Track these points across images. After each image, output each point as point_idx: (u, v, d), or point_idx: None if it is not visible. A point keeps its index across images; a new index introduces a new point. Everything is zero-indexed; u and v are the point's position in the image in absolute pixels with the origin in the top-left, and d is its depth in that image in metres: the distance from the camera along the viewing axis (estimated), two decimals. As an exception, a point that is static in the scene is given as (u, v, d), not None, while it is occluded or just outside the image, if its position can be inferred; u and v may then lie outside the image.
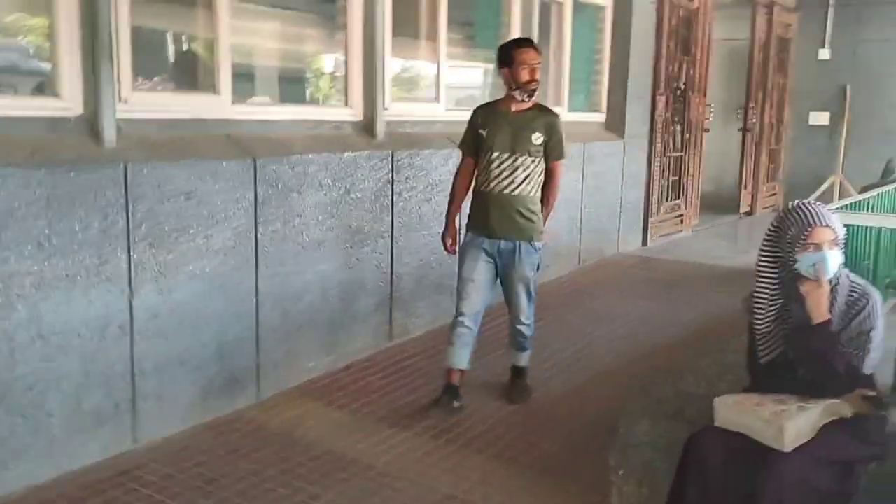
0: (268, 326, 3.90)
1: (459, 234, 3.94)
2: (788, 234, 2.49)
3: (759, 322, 2.61)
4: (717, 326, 4.97)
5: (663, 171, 7.74)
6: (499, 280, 3.80)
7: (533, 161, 3.62)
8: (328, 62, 5.09)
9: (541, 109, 3.72)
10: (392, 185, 4.55)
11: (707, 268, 6.71)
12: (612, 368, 4.35)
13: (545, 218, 3.79)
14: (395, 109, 4.79)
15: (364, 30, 4.53)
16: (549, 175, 3.72)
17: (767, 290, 2.60)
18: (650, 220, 7.58)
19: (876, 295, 2.49)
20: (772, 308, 2.59)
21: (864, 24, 10.15)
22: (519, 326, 3.83)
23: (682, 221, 8.26)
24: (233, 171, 3.63)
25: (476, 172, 3.78)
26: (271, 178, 3.84)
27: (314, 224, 4.11)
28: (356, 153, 4.35)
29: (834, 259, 2.45)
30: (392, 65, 4.83)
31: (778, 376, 2.58)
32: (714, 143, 9.46)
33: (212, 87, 3.83)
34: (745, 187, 10.00)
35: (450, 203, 3.88)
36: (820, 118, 10.56)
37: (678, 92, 7.89)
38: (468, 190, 3.83)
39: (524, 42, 3.76)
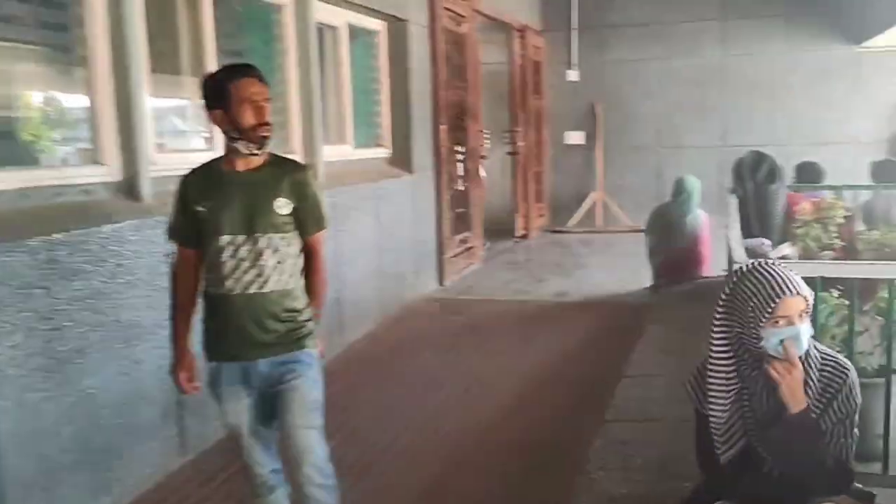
0: (16, 479, 2.77)
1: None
2: (750, 304, 2.00)
3: (716, 411, 2.10)
4: (564, 378, 4.54)
5: (451, 203, 7.32)
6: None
7: (283, 240, 2.49)
8: (63, 108, 3.95)
9: (280, 163, 2.57)
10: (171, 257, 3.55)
11: (517, 304, 6.35)
12: (465, 453, 3.70)
13: (316, 316, 2.64)
14: (163, 162, 3.80)
15: (113, 64, 3.50)
16: (309, 255, 2.59)
17: (723, 372, 2.09)
18: (444, 257, 7.11)
19: (851, 366, 2.08)
20: (730, 393, 2.09)
21: (606, 46, 10.60)
22: (311, 489, 2.54)
23: (472, 254, 7.91)
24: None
25: (203, 269, 2.57)
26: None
27: (70, 326, 3.03)
28: (118, 224, 3.33)
29: (806, 333, 2.00)
30: (152, 107, 3.83)
31: (745, 477, 2.09)
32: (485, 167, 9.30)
33: None
34: (519, 211, 9.96)
35: (172, 319, 2.63)
36: (575, 138, 10.86)
37: (456, 120, 7.53)
38: (195, 295, 2.62)
39: (242, 70, 2.49)
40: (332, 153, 5.58)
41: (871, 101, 9.74)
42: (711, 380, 2.11)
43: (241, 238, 2.46)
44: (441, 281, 7.08)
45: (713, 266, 6.29)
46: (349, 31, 5.94)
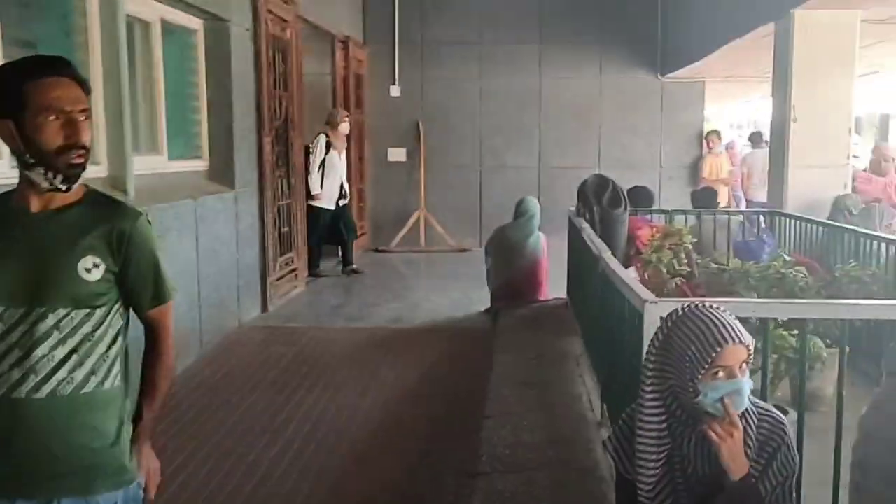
0: None
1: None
2: (687, 353, 1.75)
3: (645, 477, 1.83)
4: (417, 419, 4.16)
5: (275, 222, 6.75)
6: None
7: (87, 318, 1.71)
8: None
9: (99, 205, 1.78)
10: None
11: (350, 332, 5.90)
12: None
13: (147, 425, 1.86)
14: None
15: None
16: (149, 336, 1.92)
17: (655, 431, 1.82)
18: (268, 280, 6.53)
19: (786, 420, 1.88)
20: (661, 455, 1.83)
21: (428, 63, 10.47)
22: None
23: (296, 276, 7.36)
24: None
25: None
26: None
27: None
28: None
29: (748, 387, 1.77)
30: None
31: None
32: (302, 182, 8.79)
33: None
34: (342, 229, 9.52)
35: None
36: (397, 154, 10.62)
37: (281, 132, 6.98)
38: None
39: (48, 64, 1.69)
40: (144, 165, 4.89)
41: (673, 128, 10.33)
42: (641, 440, 1.83)
43: (19, 313, 1.65)
44: (265, 306, 6.49)
45: (550, 290, 6.24)
46: (163, 28, 5.26)
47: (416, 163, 10.52)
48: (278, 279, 6.85)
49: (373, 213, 10.68)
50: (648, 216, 5.72)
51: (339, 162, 8.30)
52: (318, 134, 8.20)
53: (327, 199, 8.09)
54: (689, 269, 4.30)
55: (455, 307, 6.80)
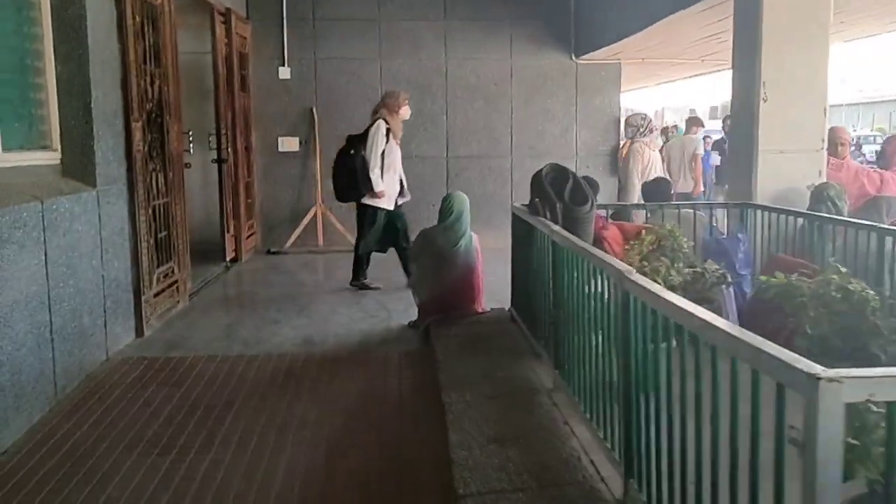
0: None
1: None
2: None
3: None
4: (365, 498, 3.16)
5: (150, 226, 5.54)
6: None
7: None
8: None
9: None
10: None
11: (249, 362, 4.78)
12: None
13: None
14: None
15: None
16: None
17: None
18: (143, 298, 5.32)
19: None
20: None
21: (321, 41, 9.36)
22: None
23: (177, 290, 6.15)
24: None
25: None
26: None
27: None
28: None
29: None
30: None
31: None
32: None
33: None
34: (229, 230, 8.31)
35: None
36: (289, 144, 9.46)
37: (154, 116, 5.76)
38: None
39: None
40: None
41: (589, 113, 9.67)
42: None
43: None
44: (140, 331, 5.29)
45: (485, 298, 5.36)
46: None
47: (310, 153, 9.40)
48: (156, 295, 5.64)
49: (263, 211, 9.49)
50: (603, 212, 4.92)
51: (398, 153, 6.98)
52: (376, 119, 6.89)
53: (387, 198, 6.78)
54: (686, 280, 3.49)
55: (372, 320, 5.81)
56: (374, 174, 6.61)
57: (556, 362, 3.55)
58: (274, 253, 9.09)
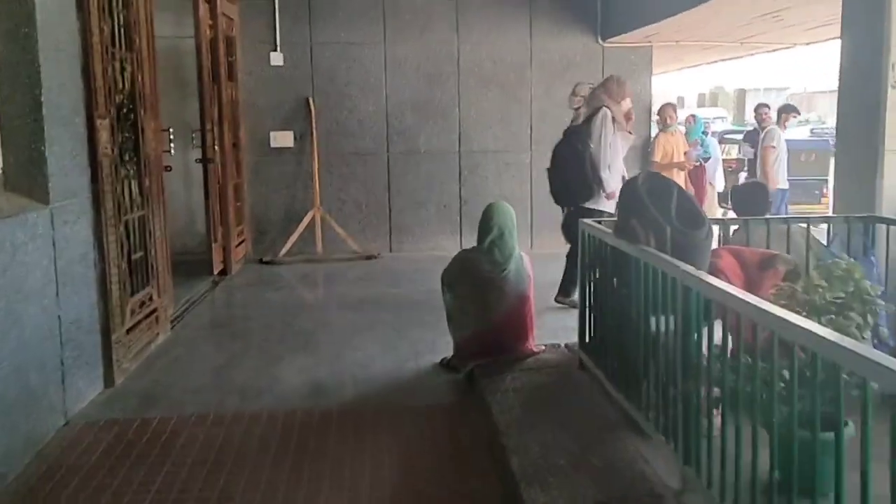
0: None
1: None
2: None
3: None
4: None
5: (122, 246, 4.50)
6: None
7: None
8: None
9: None
10: None
11: (247, 425, 3.73)
12: None
13: None
14: None
15: None
16: None
17: None
18: (114, 338, 4.28)
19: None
20: None
21: (319, 23, 8.29)
22: None
23: (157, 320, 5.12)
24: None
25: None
26: None
27: None
28: None
29: None
30: None
31: None
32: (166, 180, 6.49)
33: None
34: (216, 239, 7.26)
35: None
36: (283, 139, 8.40)
37: (125, 112, 4.71)
38: None
39: None
40: None
41: (618, 103, 8.66)
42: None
43: None
44: (111, 380, 4.26)
45: (538, 335, 4.36)
46: None
47: (306, 149, 8.35)
48: (131, 330, 4.61)
49: (254, 215, 8.44)
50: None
51: (620, 147, 6.02)
52: (599, 106, 5.89)
53: (613, 200, 5.83)
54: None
55: (394, 357, 4.81)
56: (605, 173, 5.69)
57: (685, 455, 2.57)
58: (267, 263, 8.05)
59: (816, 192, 13.49)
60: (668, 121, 8.55)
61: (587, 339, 3.83)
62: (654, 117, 8.95)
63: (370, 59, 8.36)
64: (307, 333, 5.39)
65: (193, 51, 6.88)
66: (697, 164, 8.96)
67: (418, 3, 8.35)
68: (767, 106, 9.91)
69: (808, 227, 3.84)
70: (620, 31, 8.11)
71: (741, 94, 52.76)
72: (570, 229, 5.49)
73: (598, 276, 3.57)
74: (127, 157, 4.74)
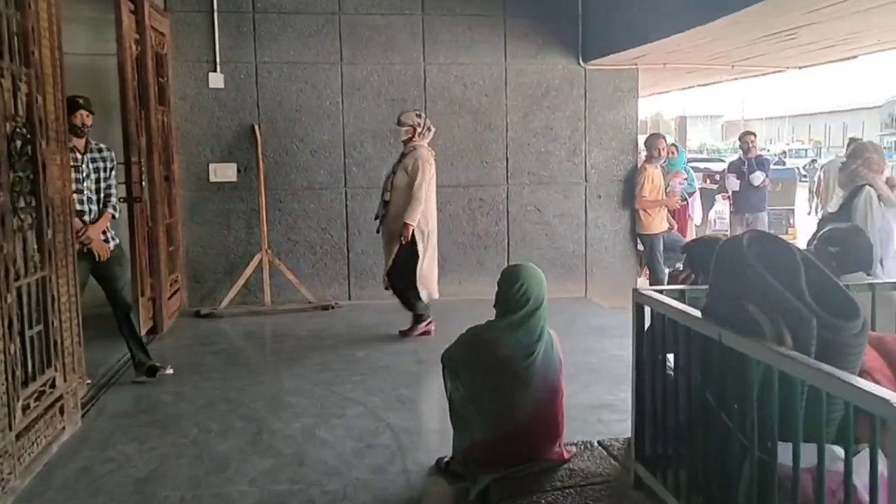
0: None
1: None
2: None
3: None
4: None
5: (10, 324, 3.36)
6: None
7: None
8: None
9: None
10: None
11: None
12: None
13: None
14: None
15: None
16: None
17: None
18: (-4, 450, 3.14)
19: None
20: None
21: (264, 39, 7.25)
22: None
23: (61, 411, 3.96)
24: None
25: None
26: None
27: None
28: None
29: None
30: None
31: None
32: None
33: None
34: (144, 292, 6.09)
35: None
36: (224, 172, 7.30)
37: (19, 145, 3.60)
38: None
39: None
40: None
41: (601, 129, 7.83)
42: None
43: None
44: (-9, 511, 3.11)
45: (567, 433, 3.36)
46: None
47: (251, 184, 7.26)
48: (22, 434, 3.46)
49: (190, 260, 7.29)
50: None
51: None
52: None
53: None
54: None
55: (374, 456, 3.75)
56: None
57: None
58: (206, 316, 6.90)
59: (784, 222, 13.12)
60: (660, 153, 7.72)
61: (645, 450, 2.85)
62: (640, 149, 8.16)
63: (324, 82, 7.35)
64: (258, 420, 4.29)
65: (116, 70, 5.75)
66: (684, 201, 8.18)
67: (378, 19, 7.39)
68: (754, 134, 9.23)
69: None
70: (606, 51, 7.29)
71: (682, 122, 53.42)
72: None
73: (671, 373, 2.61)
74: (21, 204, 3.62)
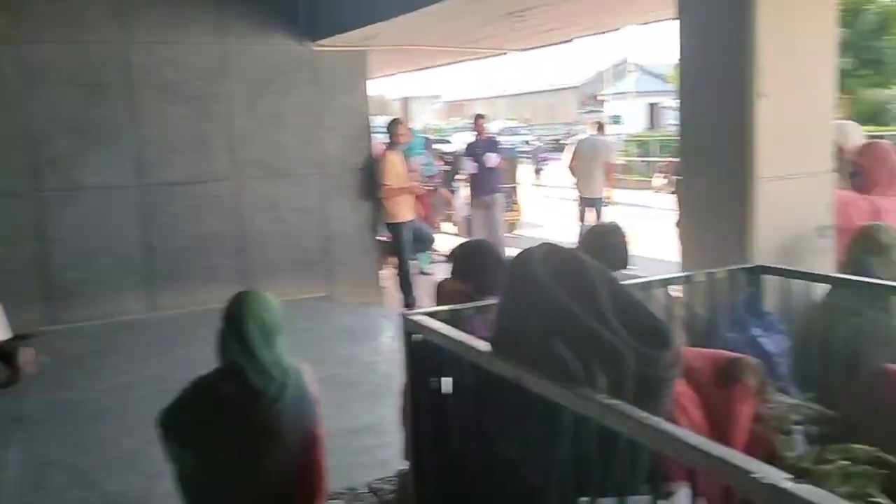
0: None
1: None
2: None
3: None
4: None
5: None
6: None
7: None
8: None
9: None
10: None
11: None
12: None
13: None
14: None
15: None
16: None
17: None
18: None
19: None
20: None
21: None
22: None
23: None
24: None
25: None
26: None
27: None
28: None
29: None
30: None
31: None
32: None
33: None
34: None
35: None
36: None
37: None
38: None
39: None
40: None
41: (335, 116, 7.31)
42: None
43: None
44: None
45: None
46: None
47: None
48: None
49: None
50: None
51: None
52: None
53: None
54: None
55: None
56: None
57: None
58: None
59: (508, 200, 13.50)
60: (401, 139, 7.38)
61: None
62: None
63: (2, 65, 6.04)
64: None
65: None
66: (432, 188, 7.96)
67: (65, -9, 6.22)
68: (483, 116, 9.27)
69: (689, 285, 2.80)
70: (333, 30, 6.78)
71: (405, 103, 54.70)
72: None
73: (458, 422, 2.16)
74: None
